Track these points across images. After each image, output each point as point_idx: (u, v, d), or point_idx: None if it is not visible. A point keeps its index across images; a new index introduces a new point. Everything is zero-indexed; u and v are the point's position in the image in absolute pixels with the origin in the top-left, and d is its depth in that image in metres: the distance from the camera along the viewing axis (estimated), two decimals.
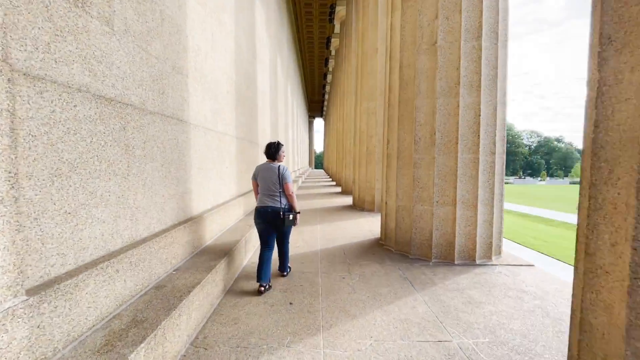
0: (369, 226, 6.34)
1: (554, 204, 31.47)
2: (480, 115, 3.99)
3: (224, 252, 3.35)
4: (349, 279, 3.48)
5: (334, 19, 16.88)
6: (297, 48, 22.63)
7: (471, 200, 4.07)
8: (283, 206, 3.22)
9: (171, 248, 2.75)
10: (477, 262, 4.09)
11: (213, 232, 3.88)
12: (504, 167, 4.31)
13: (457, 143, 4.02)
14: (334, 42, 20.29)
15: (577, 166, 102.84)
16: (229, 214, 4.59)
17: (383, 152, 5.00)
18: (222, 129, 4.53)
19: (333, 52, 22.74)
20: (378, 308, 2.82)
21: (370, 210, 8.22)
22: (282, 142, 3.55)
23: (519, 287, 3.33)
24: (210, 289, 2.68)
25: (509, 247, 7.57)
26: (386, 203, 4.81)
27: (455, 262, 4.08)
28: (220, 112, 4.49)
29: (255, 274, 3.19)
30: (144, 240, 2.41)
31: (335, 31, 19.19)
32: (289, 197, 3.27)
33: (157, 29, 2.70)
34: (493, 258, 4.18)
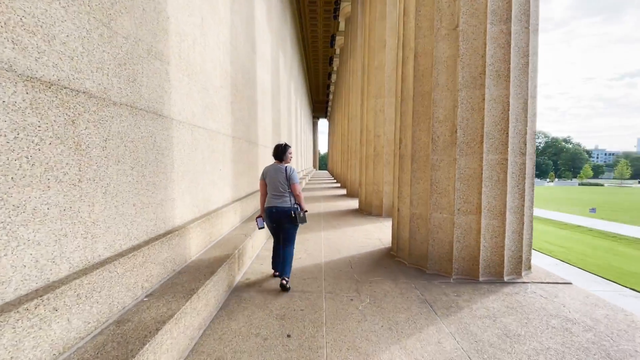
0: (377, 234, 5.81)
1: (565, 206, 30.58)
2: (509, 110, 3.46)
3: (212, 269, 2.86)
4: (357, 302, 2.97)
5: (338, 15, 16.40)
6: (300, 47, 22.17)
7: (498, 207, 3.53)
8: (290, 206, 3.32)
9: (143, 269, 2.26)
10: (505, 279, 3.54)
11: (201, 244, 3.39)
12: (534, 169, 3.77)
13: (482, 142, 3.48)
14: (339, 40, 19.79)
15: (587, 167, 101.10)
16: (222, 222, 4.10)
17: (395, 152, 4.48)
18: (214, 126, 4.05)
19: (338, 51, 22.25)
20: (395, 343, 2.30)
21: (378, 215, 7.69)
22: (285, 142, 3.53)
23: (562, 313, 2.79)
24: (189, 321, 2.18)
25: None
26: (398, 210, 4.29)
27: (480, 279, 3.54)
28: (213, 108, 4.01)
29: (250, 289, 3.27)
30: (104, 262, 1.92)
31: (340, 29, 18.71)
32: (296, 197, 3.36)
33: (126, 2, 2.21)
34: (523, 274, 3.64)
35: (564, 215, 23.80)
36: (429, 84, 3.77)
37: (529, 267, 3.77)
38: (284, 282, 3.20)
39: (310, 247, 4.81)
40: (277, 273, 3.51)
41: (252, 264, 4.02)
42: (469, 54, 3.50)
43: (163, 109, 2.74)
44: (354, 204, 9.96)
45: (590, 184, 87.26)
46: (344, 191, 14.36)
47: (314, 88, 41.70)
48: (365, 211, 8.10)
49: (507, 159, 3.49)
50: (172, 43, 2.91)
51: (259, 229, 3.55)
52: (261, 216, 3.52)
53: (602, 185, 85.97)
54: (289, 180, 3.32)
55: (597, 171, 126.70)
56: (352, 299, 3.02)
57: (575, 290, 3.33)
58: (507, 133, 3.47)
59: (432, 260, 3.78)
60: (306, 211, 3.48)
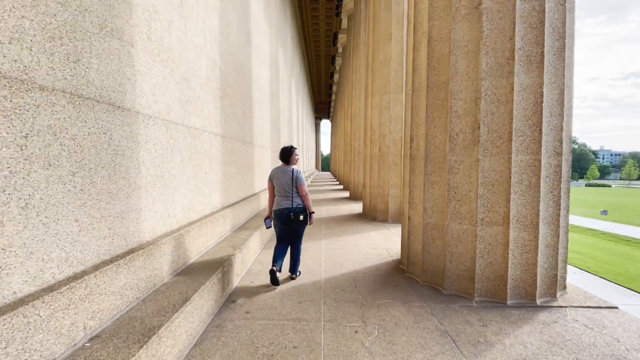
0: (384, 242, 5.27)
1: (574, 208, 29.78)
2: (542, 102, 2.92)
3: (187, 295, 2.34)
4: (363, 334, 2.43)
5: (341, 12, 15.89)
6: (302, 46, 21.71)
7: (530, 217, 2.98)
8: (297, 206, 3.42)
9: (87, 303, 1.75)
10: (538, 302, 3.00)
11: (179, 262, 2.88)
12: (570, 172, 3.22)
13: (511, 140, 2.95)
14: (341, 38, 19.29)
15: (593, 168, 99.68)
16: (208, 233, 3.58)
17: (404, 153, 3.95)
18: (198, 124, 3.54)
19: (340, 50, 21.76)
20: None
21: (384, 220, 7.15)
22: (291, 145, 3.58)
23: (618, 352, 2.24)
24: None
25: None
26: (409, 218, 3.75)
27: (508, 303, 2.99)
28: (196, 103, 3.51)
29: (235, 315, 2.55)
30: (20, 303, 1.41)
31: (342, 26, 18.21)
32: (303, 198, 3.47)
33: None
34: (557, 295, 3.09)
35: (575, 217, 23.10)
36: (445, 73, 3.24)
37: (564, 287, 3.22)
38: (294, 276, 3.57)
39: (309, 260, 4.28)
40: (276, 268, 3.37)
41: (241, 281, 3.51)
42: (494, 35, 2.97)
43: (124, 100, 2.23)
44: (357, 207, 9.43)
45: (598, 185, 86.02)
46: (347, 193, 13.82)
47: (316, 88, 41.26)
48: (370, 216, 7.56)
49: (540, 160, 2.94)
50: (138, 21, 2.41)
51: (267, 228, 3.69)
52: (269, 217, 3.64)
53: (609, 186, 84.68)
54: (295, 181, 3.42)
55: (604, 172, 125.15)
56: (356, 331, 2.49)
57: (624, 317, 2.78)
58: (540, 129, 2.93)
59: (450, 279, 3.24)
60: (313, 212, 3.58)
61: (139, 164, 2.40)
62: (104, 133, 2.01)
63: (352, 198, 11.72)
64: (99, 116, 1.97)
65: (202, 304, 2.46)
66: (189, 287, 2.49)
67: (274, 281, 3.31)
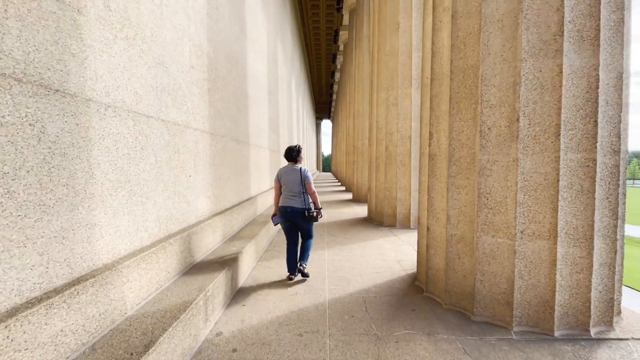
0: (394, 252, 4.71)
1: None
2: (597, 88, 2.37)
3: (153, 336, 1.80)
4: None
5: (342, 7, 15.37)
6: (302, 43, 21.19)
7: (582, 229, 2.43)
8: (305, 206, 3.46)
9: None
10: (592, 333, 2.44)
11: (149, 287, 2.34)
12: (626, 174, 2.66)
13: (558, 135, 2.40)
14: (342, 35, 18.74)
15: None
16: (192, 246, 3.04)
17: (421, 151, 3.40)
18: (179, 118, 3.00)
19: (341, 47, 21.22)
20: None
21: (391, 225, 6.59)
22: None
23: None
24: None
25: None
26: (428, 228, 3.20)
27: (556, 334, 2.44)
28: (176, 93, 2.97)
29: (216, 353, 2.01)
30: None
31: (343, 23, 17.67)
32: (311, 196, 3.52)
33: None
34: (614, 323, 2.53)
35: None
36: (474, 55, 2.69)
37: (619, 312, 2.66)
38: (302, 267, 3.54)
39: (311, 275, 3.73)
40: (293, 277, 3.54)
41: (230, 305, 2.96)
42: (537, 6, 2.42)
43: (67, 82, 1.69)
44: (361, 211, 8.87)
45: None
46: (349, 195, 13.26)
47: (316, 88, 40.76)
48: (376, 221, 7.00)
49: (594, 160, 2.39)
50: None
51: (275, 225, 3.71)
52: (276, 214, 3.63)
53: None
54: (303, 180, 3.46)
55: None
56: None
57: None
58: (596, 121, 2.38)
59: (481, 303, 2.69)
60: (321, 208, 3.59)
61: (91, 167, 1.85)
62: (30, 124, 1.47)
63: (355, 200, 11.17)
64: (20, 100, 1.43)
65: (173, 345, 1.92)
66: (157, 323, 1.95)
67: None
